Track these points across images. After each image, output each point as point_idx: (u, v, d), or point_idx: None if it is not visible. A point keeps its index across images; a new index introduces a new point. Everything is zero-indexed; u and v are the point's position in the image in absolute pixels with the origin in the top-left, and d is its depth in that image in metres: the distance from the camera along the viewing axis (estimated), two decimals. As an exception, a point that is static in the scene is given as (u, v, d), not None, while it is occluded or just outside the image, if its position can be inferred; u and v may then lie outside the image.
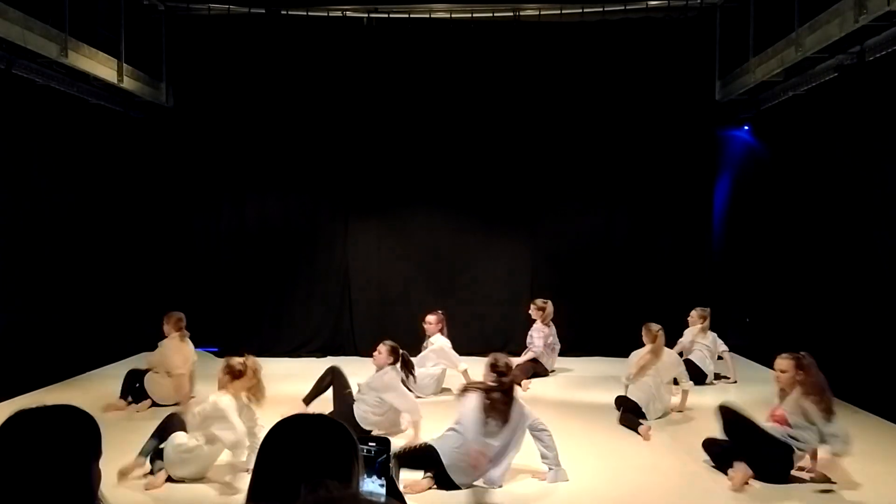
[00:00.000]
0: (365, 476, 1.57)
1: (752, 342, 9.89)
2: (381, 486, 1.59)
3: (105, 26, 9.12)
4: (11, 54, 7.41)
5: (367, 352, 9.75)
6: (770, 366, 8.64)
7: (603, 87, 10.37)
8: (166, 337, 7.31)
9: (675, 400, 7.21)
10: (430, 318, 8.41)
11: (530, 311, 9.20)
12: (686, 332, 8.69)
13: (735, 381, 8.57)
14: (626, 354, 9.97)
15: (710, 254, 10.59)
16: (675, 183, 10.40)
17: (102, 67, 8.74)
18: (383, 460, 1.62)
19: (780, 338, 9.61)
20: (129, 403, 7.13)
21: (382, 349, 6.37)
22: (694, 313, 8.77)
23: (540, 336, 9.00)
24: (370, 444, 1.62)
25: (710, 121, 10.49)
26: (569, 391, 8.31)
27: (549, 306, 9.14)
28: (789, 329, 9.58)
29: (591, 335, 10.27)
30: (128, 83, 9.31)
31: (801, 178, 9.09)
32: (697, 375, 8.13)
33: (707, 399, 7.16)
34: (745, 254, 10.53)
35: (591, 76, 10.38)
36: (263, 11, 10.34)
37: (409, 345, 9.43)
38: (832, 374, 7.77)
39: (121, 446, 5.24)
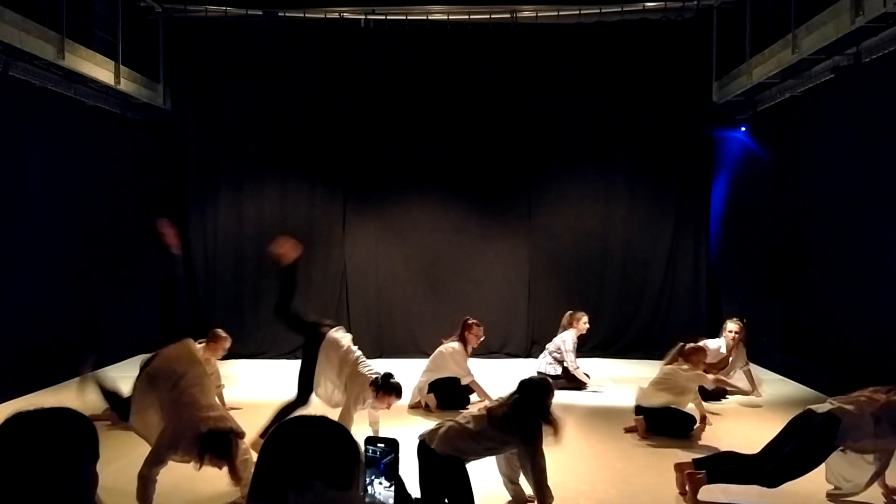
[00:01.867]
0: (373, 478, 1.56)
1: (751, 343, 9.88)
2: (389, 488, 1.58)
3: (102, 28, 9.11)
4: (8, 56, 7.40)
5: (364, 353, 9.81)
6: (770, 367, 8.73)
7: (600, 88, 10.38)
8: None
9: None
10: (479, 329, 7.30)
11: (572, 323, 8.41)
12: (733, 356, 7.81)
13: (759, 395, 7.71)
14: (621, 355, 10.04)
15: (708, 254, 10.60)
16: (672, 184, 10.41)
17: (99, 69, 8.73)
18: (389, 461, 1.60)
19: (779, 338, 9.64)
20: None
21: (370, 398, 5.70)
22: (733, 326, 7.76)
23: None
24: (378, 444, 1.61)
25: (707, 122, 10.52)
26: (565, 391, 8.28)
27: None
28: (788, 329, 9.60)
29: (588, 335, 10.24)
30: (125, 85, 9.29)
31: (798, 179, 9.11)
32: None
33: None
34: (742, 254, 10.54)
35: (588, 78, 10.39)
36: (260, 13, 10.34)
37: (407, 344, 9.46)
38: (832, 373, 7.81)
39: (120, 448, 5.22)
